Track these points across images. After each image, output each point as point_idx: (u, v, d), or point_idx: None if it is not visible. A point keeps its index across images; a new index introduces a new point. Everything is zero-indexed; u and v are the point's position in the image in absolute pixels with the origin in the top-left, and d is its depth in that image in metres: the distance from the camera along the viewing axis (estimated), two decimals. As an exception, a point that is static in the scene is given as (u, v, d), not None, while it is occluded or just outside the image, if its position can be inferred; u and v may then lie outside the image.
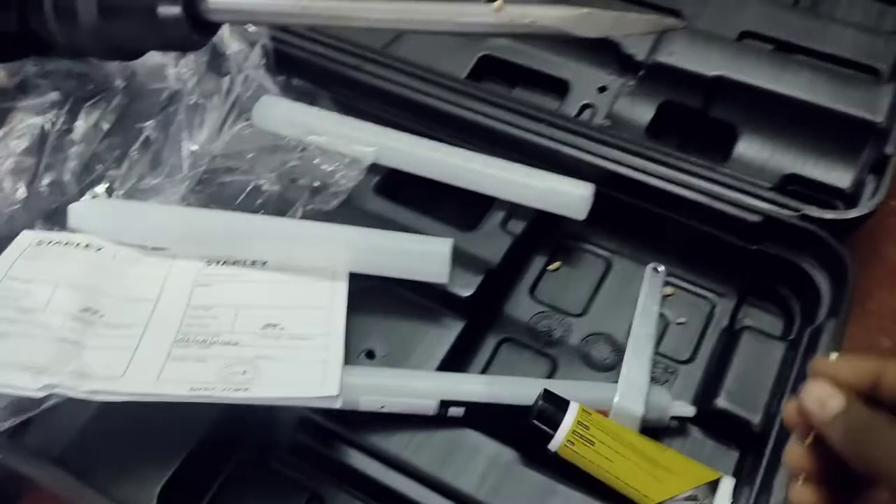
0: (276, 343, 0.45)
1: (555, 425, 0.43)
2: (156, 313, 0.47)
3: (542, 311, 0.54)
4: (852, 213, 0.50)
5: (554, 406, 0.44)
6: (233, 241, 0.49)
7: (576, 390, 0.46)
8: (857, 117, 0.55)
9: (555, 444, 0.43)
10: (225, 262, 0.50)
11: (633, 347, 0.48)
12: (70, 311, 0.45)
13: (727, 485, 0.43)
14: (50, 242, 0.48)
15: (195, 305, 0.47)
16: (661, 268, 0.53)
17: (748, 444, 0.46)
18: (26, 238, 0.49)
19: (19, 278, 0.46)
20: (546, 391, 0.44)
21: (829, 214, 0.49)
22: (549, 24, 0.39)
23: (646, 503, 0.42)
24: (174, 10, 0.47)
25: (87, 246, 0.49)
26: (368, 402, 0.45)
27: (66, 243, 0.49)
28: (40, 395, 0.40)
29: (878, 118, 0.54)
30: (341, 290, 0.49)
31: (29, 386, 0.40)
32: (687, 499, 0.42)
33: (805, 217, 0.50)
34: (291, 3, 0.46)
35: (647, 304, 0.51)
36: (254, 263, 0.50)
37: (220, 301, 0.48)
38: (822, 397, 0.31)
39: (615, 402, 0.45)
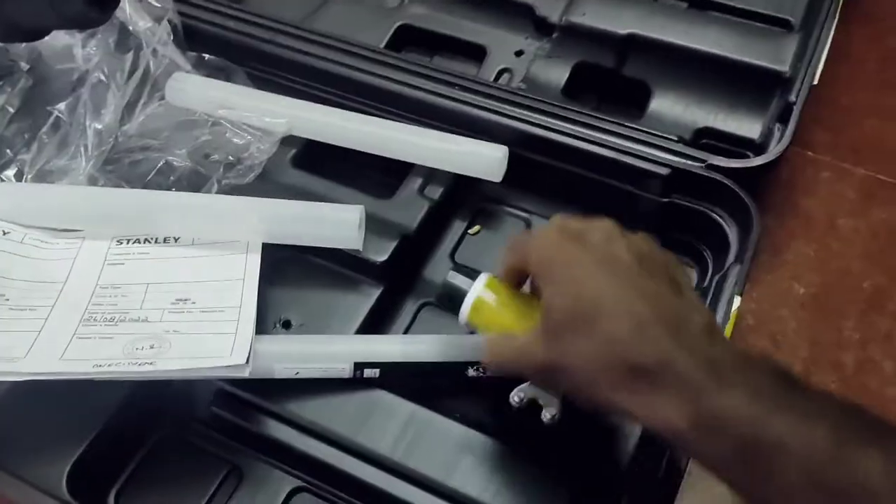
0: (186, 317, 0.45)
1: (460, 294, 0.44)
2: (63, 295, 0.46)
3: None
4: (756, 161, 0.50)
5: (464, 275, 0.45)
6: (141, 219, 0.49)
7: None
8: (765, 68, 0.56)
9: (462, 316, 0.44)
10: (136, 241, 0.49)
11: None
12: None
13: None
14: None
15: (104, 285, 0.47)
16: None
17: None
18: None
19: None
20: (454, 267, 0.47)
21: (733, 163, 0.50)
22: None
23: None
24: (68, -15, 0.47)
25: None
26: (282, 369, 0.45)
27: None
28: None
29: (784, 68, 0.55)
30: (253, 261, 0.48)
31: None
32: None
33: (711, 167, 0.50)
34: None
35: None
36: (166, 240, 0.49)
37: (131, 279, 0.47)
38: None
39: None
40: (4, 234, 0.48)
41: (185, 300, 0.46)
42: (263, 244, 0.49)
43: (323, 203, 0.50)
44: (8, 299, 0.45)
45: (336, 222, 0.48)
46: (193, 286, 0.47)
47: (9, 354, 0.42)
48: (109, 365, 0.41)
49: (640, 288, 0.35)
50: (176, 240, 0.49)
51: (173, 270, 0.48)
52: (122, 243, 0.49)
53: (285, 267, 0.51)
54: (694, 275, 0.53)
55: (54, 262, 0.48)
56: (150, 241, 0.49)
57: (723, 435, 0.32)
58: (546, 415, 0.42)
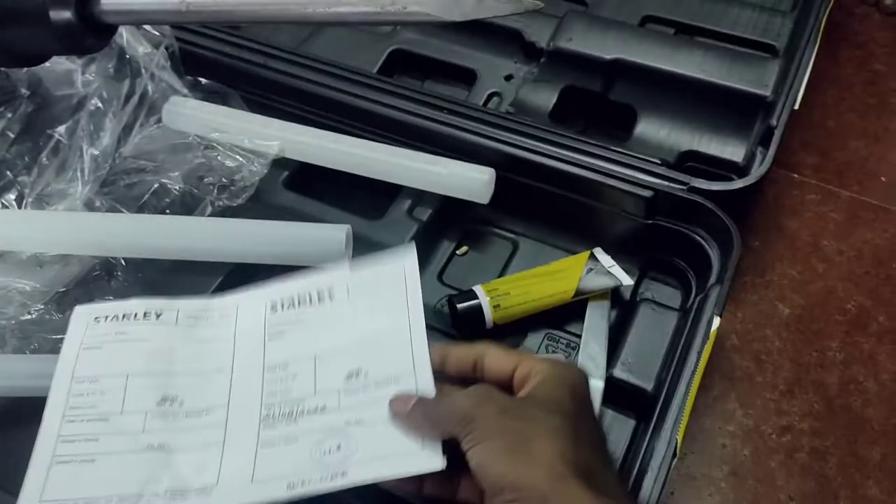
0: (363, 398, 0.41)
1: (478, 307, 0.50)
2: (234, 386, 0.43)
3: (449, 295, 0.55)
4: (737, 184, 0.51)
5: (465, 299, 0.51)
6: (132, 242, 0.50)
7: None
8: (748, 92, 0.57)
9: (488, 321, 0.50)
10: (291, 305, 0.45)
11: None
12: (149, 407, 0.41)
13: (599, 251, 0.54)
14: (107, 318, 0.44)
15: (272, 366, 0.43)
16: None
17: (643, 411, 0.48)
18: (81, 317, 0.44)
19: (87, 377, 0.42)
20: (449, 298, 0.52)
21: (714, 186, 0.51)
22: (417, 10, 0.40)
23: (567, 296, 0.51)
24: (66, 14, 0.48)
25: (145, 315, 0.44)
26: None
27: (124, 316, 0.44)
28: None
29: (766, 92, 0.56)
30: (414, 293, 0.44)
31: None
32: (588, 272, 0.52)
33: (693, 189, 0.51)
34: (178, 1, 0.46)
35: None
36: (321, 298, 0.45)
37: (296, 353, 0.43)
38: (404, 399, 0.39)
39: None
40: (158, 316, 0.44)
41: (358, 373, 0.42)
42: (252, 265, 0.50)
43: (310, 223, 0.51)
44: (182, 402, 0.41)
45: (322, 241, 0.49)
46: (363, 350, 0.42)
47: (200, 482, 0.39)
48: (302, 485, 0.38)
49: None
50: (331, 296, 0.45)
51: (337, 332, 0.43)
52: (277, 309, 0.45)
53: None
54: (678, 296, 0.54)
55: (216, 343, 0.44)
56: (305, 303, 0.45)
57: None
58: None
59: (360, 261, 0.46)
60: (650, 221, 0.53)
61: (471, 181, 0.54)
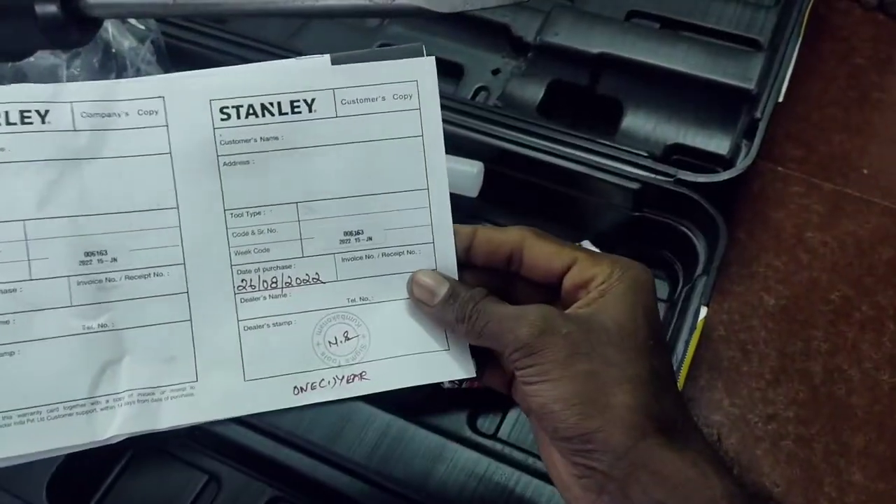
0: (367, 269, 0.32)
1: None
2: (185, 234, 0.31)
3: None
4: (723, 176, 0.52)
5: None
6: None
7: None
8: (732, 86, 0.58)
9: None
10: (252, 113, 0.32)
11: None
12: (69, 267, 0.30)
13: (588, 243, 0.52)
14: None
15: (236, 208, 0.31)
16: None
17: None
18: None
19: None
20: None
21: (701, 178, 0.51)
22: (406, 3, 0.40)
23: None
24: (51, 7, 0.48)
25: (24, 118, 0.31)
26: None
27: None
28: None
29: (750, 86, 0.57)
30: (432, 119, 0.33)
31: (77, 440, 0.29)
32: None
33: (680, 182, 0.52)
34: (165, -5, 0.46)
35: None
36: (295, 108, 0.32)
37: (269, 193, 0.32)
38: (430, 286, 0.32)
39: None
40: (43, 117, 0.31)
41: (359, 235, 0.32)
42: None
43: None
44: (115, 259, 0.30)
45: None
46: (362, 200, 0.32)
47: (172, 379, 0.30)
48: (313, 388, 0.31)
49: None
50: (310, 105, 0.32)
51: (324, 168, 0.32)
52: (230, 115, 0.31)
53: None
54: (666, 287, 0.55)
55: (142, 161, 0.31)
56: (271, 112, 0.31)
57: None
58: None
59: (352, 63, 0.33)
60: (637, 213, 0.54)
61: (460, 174, 0.54)
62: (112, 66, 0.58)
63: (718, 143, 0.58)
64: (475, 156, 0.55)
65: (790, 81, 0.57)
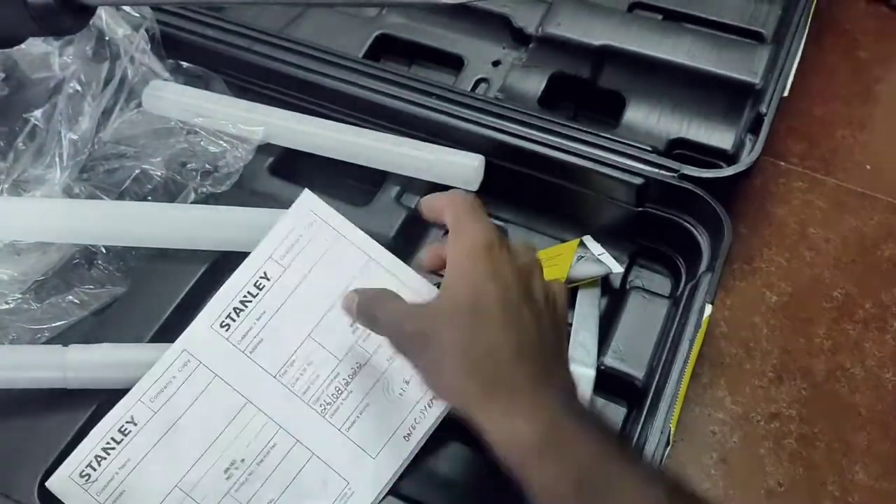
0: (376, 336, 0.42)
1: None
2: (266, 409, 0.43)
3: (438, 283, 0.54)
4: (727, 172, 0.51)
5: None
6: (112, 230, 0.49)
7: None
8: (737, 79, 0.57)
9: None
10: (241, 310, 0.44)
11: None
12: (225, 489, 0.41)
13: (589, 239, 0.53)
14: (92, 465, 0.41)
15: (280, 372, 0.43)
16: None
17: (634, 399, 0.48)
18: (65, 486, 0.40)
19: None
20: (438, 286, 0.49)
21: (705, 173, 0.51)
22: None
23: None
24: (44, -7, 0.47)
25: (124, 431, 0.41)
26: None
27: (107, 450, 0.41)
28: None
29: (755, 79, 0.56)
30: (339, 222, 0.47)
31: None
32: (578, 260, 0.51)
33: (684, 177, 0.51)
34: (160, -18, 0.45)
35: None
36: (259, 287, 0.45)
37: (291, 348, 0.44)
38: (348, 299, 0.42)
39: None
40: (133, 423, 0.42)
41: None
42: (238, 253, 0.49)
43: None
44: (244, 459, 0.42)
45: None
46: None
47: (336, 487, 0.41)
48: (412, 426, 0.42)
49: (526, 313, 0.36)
50: (267, 276, 0.45)
51: (307, 299, 0.44)
52: (228, 325, 0.44)
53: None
54: (668, 283, 0.54)
55: (207, 395, 0.43)
56: (251, 300, 0.44)
57: (567, 460, 0.33)
58: None
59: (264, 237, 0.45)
60: (640, 209, 0.53)
61: (460, 168, 0.53)
62: (105, 54, 0.56)
63: (721, 138, 0.57)
64: (475, 149, 0.55)
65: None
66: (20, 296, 0.48)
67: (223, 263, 0.51)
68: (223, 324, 0.43)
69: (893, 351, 0.53)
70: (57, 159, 0.51)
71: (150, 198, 0.53)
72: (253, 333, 0.43)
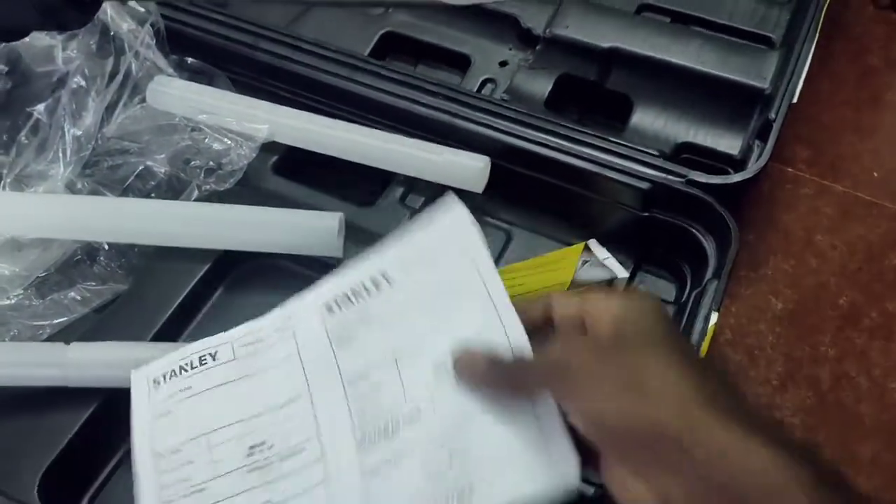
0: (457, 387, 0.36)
1: None
2: (318, 411, 0.39)
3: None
4: (735, 178, 0.51)
5: None
6: (112, 227, 0.48)
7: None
8: (746, 84, 0.56)
9: None
10: (349, 301, 0.41)
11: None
12: (240, 462, 0.38)
13: (594, 243, 0.51)
14: (165, 377, 0.41)
15: (351, 379, 0.39)
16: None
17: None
18: (139, 383, 0.41)
19: (169, 449, 0.39)
20: None
21: (713, 179, 0.50)
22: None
23: (562, 288, 0.49)
24: (48, -13, 0.46)
25: (201, 360, 0.41)
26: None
27: (181, 368, 0.41)
28: None
29: (764, 85, 0.56)
30: (474, 244, 0.40)
31: None
32: (583, 264, 0.50)
33: (691, 182, 0.51)
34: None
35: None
36: (377, 286, 0.41)
37: (373, 358, 0.39)
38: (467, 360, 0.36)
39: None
40: (213, 357, 0.41)
41: (446, 360, 0.37)
42: (241, 252, 0.49)
43: (302, 210, 0.50)
44: (272, 446, 0.38)
45: (315, 229, 0.48)
46: (443, 329, 0.38)
47: None
48: None
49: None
50: (388, 280, 0.40)
51: (409, 319, 0.39)
52: (334, 310, 0.41)
53: (264, 274, 0.50)
54: (672, 289, 0.54)
55: (282, 367, 0.40)
56: (363, 295, 0.40)
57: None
58: None
59: (403, 230, 0.42)
60: (646, 214, 0.53)
61: (466, 169, 0.53)
62: (110, 48, 0.56)
63: (729, 143, 0.56)
64: (480, 150, 0.54)
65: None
66: (22, 292, 0.48)
67: (226, 262, 0.50)
68: (329, 307, 0.41)
69: (899, 360, 0.53)
70: (60, 154, 0.51)
71: (153, 195, 0.53)
72: (348, 329, 0.40)
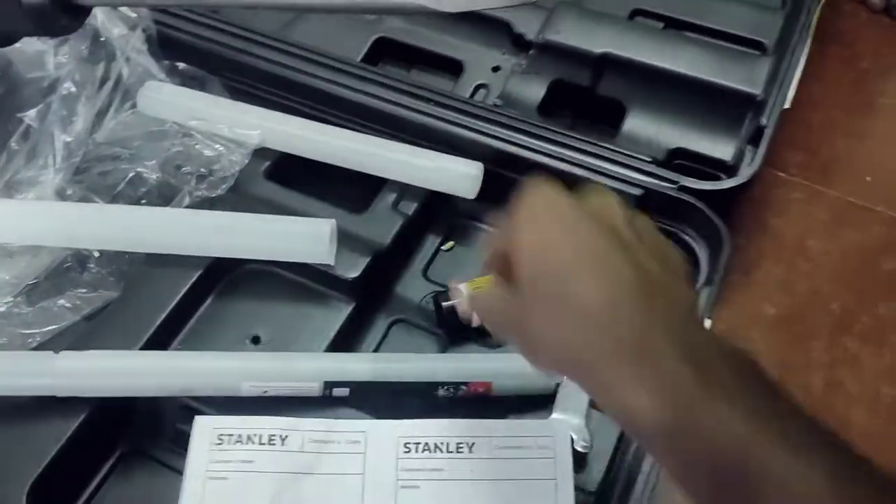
0: None
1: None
2: None
3: (434, 292, 0.54)
4: (727, 184, 0.51)
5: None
6: (103, 234, 0.48)
7: (466, 362, 0.47)
8: (738, 90, 0.56)
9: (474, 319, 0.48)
10: (427, 449, 0.42)
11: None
12: None
13: None
14: (231, 438, 0.42)
15: None
16: None
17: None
18: (205, 432, 0.42)
19: None
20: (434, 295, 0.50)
21: (705, 185, 0.50)
22: (409, 1, 0.39)
23: None
24: (39, -7, 0.46)
25: (270, 440, 0.42)
26: (249, 387, 0.44)
27: (248, 437, 0.42)
28: None
29: (756, 90, 0.56)
30: (564, 471, 0.41)
31: None
32: None
33: (683, 188, 0.51)
34: (157, -16, 0.45)
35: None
36: (458, 448, 0.42)
37: None
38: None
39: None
40: (283, 440, 0.42)
41: None
42: (232, 259, 0.49)
43: (294, 217, 0.50)
44: None
45: (307, 236, 0.48)
46: None
47: None
48: None
49: (629, 258, 0.31)
50: (471, 449, 0.42)
51: (475, 494, 0.41)
52: (410, 449, 0.42)
53: (255, 281, 0.50)
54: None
55: (344, 479, 0.41)
56: (442, 450, 0.42)
57: (702, 447, 0.28)
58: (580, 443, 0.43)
59: (507, 422, 0.44)
60: (639, 220, 0.53)
61: (458, 175, 0.53)
62: (101, 54, 0.56)
63: (722, 149, 0.56)
64: (473, 156, 0.54)
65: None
66: (11, 299, 0.48)
67: (217, 269, 0.50)
68: (407, 445, 0.42)
69: (891, 365, 0.53)
70: (50, 160, 0.51)
71: (144, 201, 0.52)
72: (416, 476, 0.41)
